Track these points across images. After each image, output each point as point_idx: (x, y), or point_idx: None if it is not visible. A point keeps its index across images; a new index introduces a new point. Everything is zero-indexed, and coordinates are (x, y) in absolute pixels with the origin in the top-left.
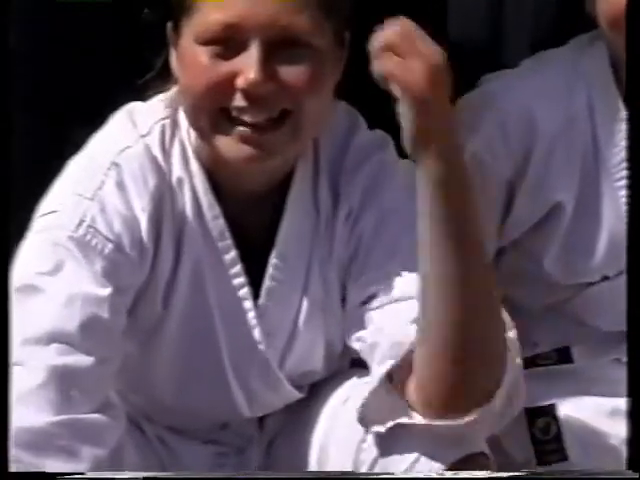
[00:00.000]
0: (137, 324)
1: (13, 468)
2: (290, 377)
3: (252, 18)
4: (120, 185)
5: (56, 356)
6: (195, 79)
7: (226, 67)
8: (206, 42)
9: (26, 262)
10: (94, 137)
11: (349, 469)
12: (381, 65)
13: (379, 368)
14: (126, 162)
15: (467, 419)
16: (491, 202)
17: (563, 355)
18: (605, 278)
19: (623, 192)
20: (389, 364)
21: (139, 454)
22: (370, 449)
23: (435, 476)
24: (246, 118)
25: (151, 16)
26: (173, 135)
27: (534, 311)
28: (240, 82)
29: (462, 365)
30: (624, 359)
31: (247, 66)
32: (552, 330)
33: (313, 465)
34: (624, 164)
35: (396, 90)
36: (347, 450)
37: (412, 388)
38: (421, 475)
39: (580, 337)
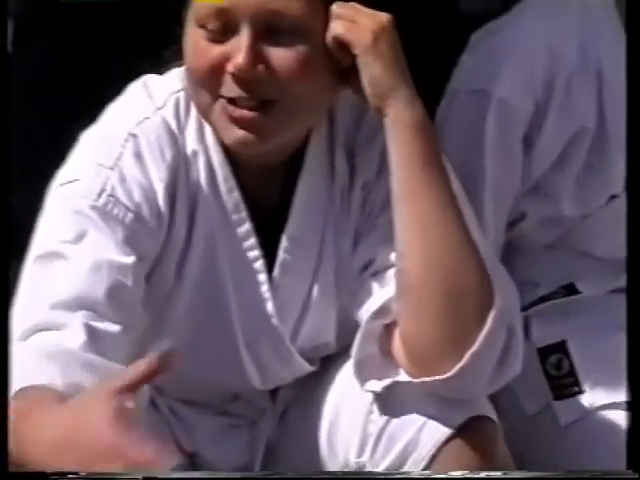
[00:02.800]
0: (151, 293)
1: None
2: (302, 350)
3: (242, 2)
4: (138, 156)
5: (86, 321)
6: (192, 60)
7: (218, 50)
8: (202, 25)
9: (48, 230)
10: (110, 108)
11: (357, 442)
12: (334, 29)
13: (371, 324)
14: (143, 133)
15: (456, 367)
16: (517, 145)
17: (569, 290)
18: (612, 197)
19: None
20: (378, 323)
21: (153, 427)
22: (377, 419)
23: (437, 476)
24: (238, 101)
25: None
26: (188, 108)
27: (534, 250)
28: (229, 67)
29: (442, 309)
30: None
31: (237, 50)
32: (553, 267)
33: (323, 437)
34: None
35: (348, 50)
36: (356, 420)
37: (398, 345)
38: (422, 475)
39: (582, 270)
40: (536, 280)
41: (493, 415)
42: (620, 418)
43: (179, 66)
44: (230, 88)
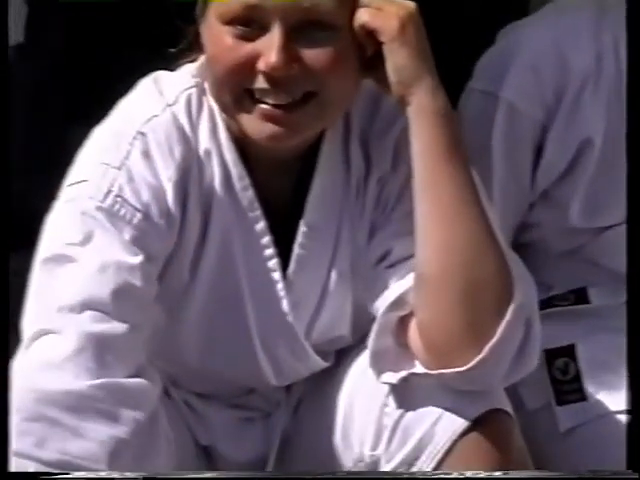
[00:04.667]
0: (165, 291)
1: (56, 430)
2: (317, 344)
3: None
4: (146, 154)
5: (91, 323)
6: (219, 58)
7: (248, 48)
8: (228, 22)
9: (55, 232)
10: (119, 104)
11: (372, 434)
12: (361, 17)
13: (387, 315)
14: (152, 131)
15: (476, 359)
16: (525, 151)
17: (580, 296)
18: None
19: None
20: (394, 315)
21: (170, 420)
22: (392, 411)
23: (437, 476)
24: (269, 100)
25: None
26: (200, 105)
27: (549, 255)
28: (261, 65)
29: (461, 300)
30: None
31: (268, 49)
32: (567, 273)
33: (338, 430)
34: None
35: (374, 38)
36: (370, 413)
37: (415, 337)
38: (422, 475)
39: (595, 279)
40: (549, 283)
41: (509, 408)
42: (621, 424)
43: (191, 62)
44: (261, 85)
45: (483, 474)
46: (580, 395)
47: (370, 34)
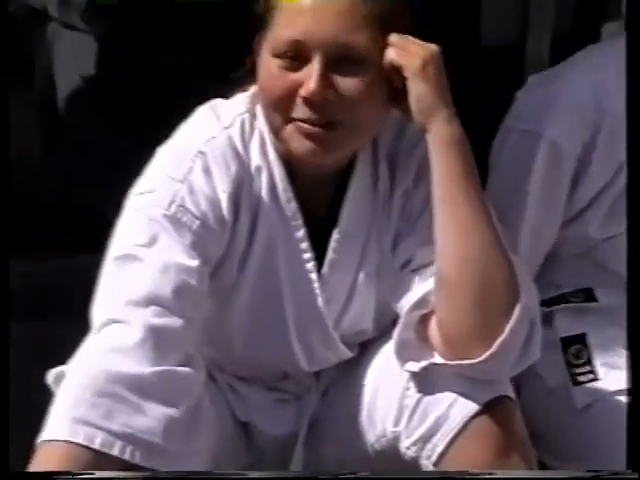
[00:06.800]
0: (216, 286)
1: (120, 410)
2: (344, 336)
3: (316, 36)
4: (206, 170)
5: (153, 317)
6: (268, 86)
7: (292, 77)
8: (278, 55)
9: (125, 234)
10: (181, 127)
11: (394, 413)
12: (389, 55)
13: (411, 314)
14: (211, 150)
15: (487, 353)
16: (564, 187)
17: (588, 295)
18: None
19: None
20: (417, 313)
21: (213, 401)
22: (413, 394)
23: (437, 476)
24: (308, 121)
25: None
26: (252, 128)
27: (561, 258)
28: (302, 91)
29: (474, 302)
30: None
31: (309, 78)
32: (575, 274)
33: (364, 410)
34: None
35: (400, 74)
36: (393, 395)
37: (434, 332)
38: (422, 475)
39: (602, 281)
40: (558, 283)
41: (513, 395)
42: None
43: (243, 91)
44: (302, 110)
45: (485, 474)
46: (592, 376)
47: (397, 70)
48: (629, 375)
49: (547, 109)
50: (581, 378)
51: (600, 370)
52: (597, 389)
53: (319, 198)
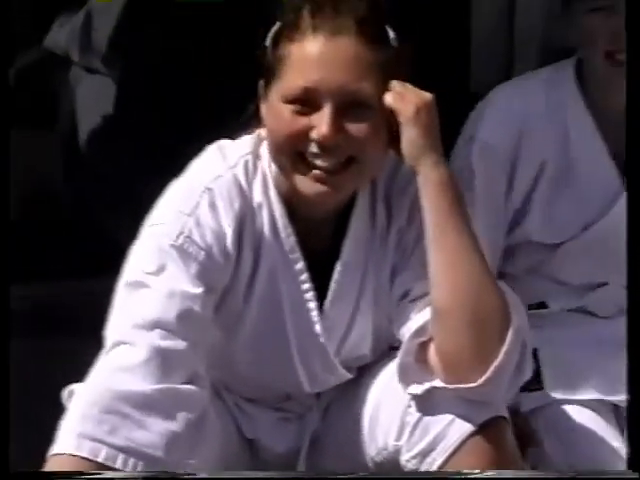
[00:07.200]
0: (223, 314)
1: (125, 425)
2: (344, 360)
3: (326, 84)
4: (212, 205)
5: (158, 339)
6: (279, 129)
7: (304, 122)
8: (289, 101)
9: (136, 261)
10: (190, 165)
11: (396, 428)
12: (386, 99)
13: (411, 341)
14: (217, 187)
15: (483, 378)
16: (499, 184)
17: (540, 305)
18: (585, 228)
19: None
20: (417, 341)
21: (219, 418)
22: (414, 413)
23: (436, 476)
24: (319, 163)
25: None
26: (255, 168)
27: (510, 277)
28: (314, 135)
29: (469, 330)
30: (589, 308)
31: (321, 122)
32: (530, 289)
33: (365, 427)
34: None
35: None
36: (396, 411)
37: (434, 357)
38: (422, 475)
39: (552, 292)
40: None
41: (507, 414)
42: (576, 411)
43: (248, 133)
44: (313, 150)
45: (489, 474)
46: (539, 386)
47: (393, 114)
48: (629, 375)
49: (482, 110)
50: (528, 386)
51: (548, 383)
52: (543, 396)
53: (320, 233)
